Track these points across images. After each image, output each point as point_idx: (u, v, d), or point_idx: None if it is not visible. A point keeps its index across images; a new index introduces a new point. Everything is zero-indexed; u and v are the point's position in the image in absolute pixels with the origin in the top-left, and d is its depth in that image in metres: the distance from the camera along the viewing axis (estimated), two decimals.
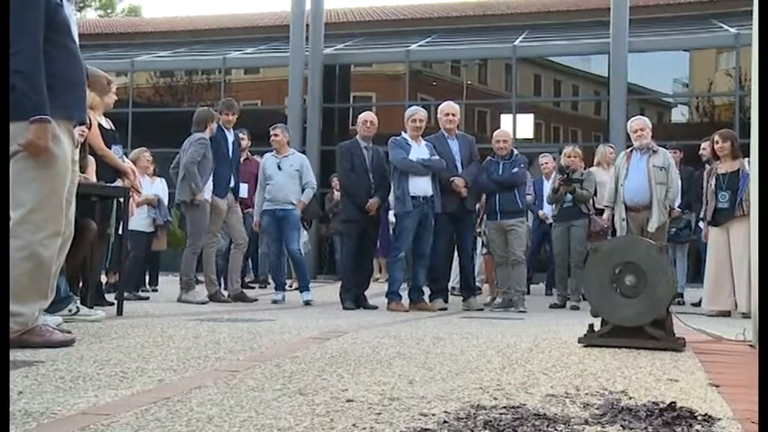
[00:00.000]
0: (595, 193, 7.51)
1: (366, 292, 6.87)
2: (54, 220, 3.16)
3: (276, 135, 7.47)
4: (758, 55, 2.78)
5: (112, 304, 5.63)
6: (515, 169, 7.00)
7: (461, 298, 7.14)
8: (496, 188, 6.98)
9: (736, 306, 6.45)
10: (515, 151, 7.22)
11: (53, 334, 3.21)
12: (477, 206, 7.44)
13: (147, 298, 6.98)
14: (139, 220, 7.53)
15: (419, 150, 6.65)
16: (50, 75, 3.16)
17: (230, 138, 7.37)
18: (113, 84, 5.98)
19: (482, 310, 6.79)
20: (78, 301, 4.70)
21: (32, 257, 3.10)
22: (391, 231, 7.42)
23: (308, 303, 6.93)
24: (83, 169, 5.32)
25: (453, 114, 7.05)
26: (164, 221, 8.18)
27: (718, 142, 6.85)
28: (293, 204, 7.30)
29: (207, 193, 6.92)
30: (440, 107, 7.19)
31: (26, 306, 3.11)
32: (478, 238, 7.92)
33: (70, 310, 4.24)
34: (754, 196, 4.00)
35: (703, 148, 8.37)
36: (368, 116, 7.05)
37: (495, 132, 7.48)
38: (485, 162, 7.20)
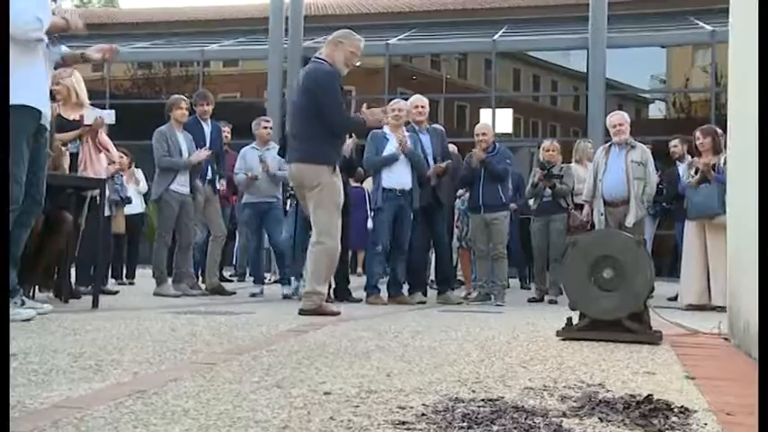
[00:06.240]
0: (574, 188, 7.55)
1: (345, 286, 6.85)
2: (337, 231, 4.80)
3: (271, 127, 7.47)
4: (759, 52, 2.80)
5: (79, 297, 5.58)
6: (503, 166, 7.02)
7: (437, 291, 7.14)
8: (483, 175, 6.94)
9: (710, 299, 6.51)
10: (497, 144, 7.25)
11: (330, 306, 4.88)
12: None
13: (117, 292, 6.82)
14: None
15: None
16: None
17: (207, 129, 7.29)
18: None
19: (461, 303, 6.79)
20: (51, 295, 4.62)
21: (330, 255, 4.80)
22: (370, 223, 7.38)
23: (286, 297, 6.90)
24: (57, 160, 5.29)
25: (422, 107, 7.00)
26: (120, 198, 8.13)
27: (698, 138, 6.88)
28: (277, 197, 7.27)
29: (177, 186, 6.82)
30: (409, 100, 7.14)
31: (323, 286, 4.84)
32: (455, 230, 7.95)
33: (16, 303, 4.06)
34: (734, 191, 4.04)
35: (674, 146, 8.47)
36: None
37: (476, 126, 7.54)
38: (467, 156, 7.22)
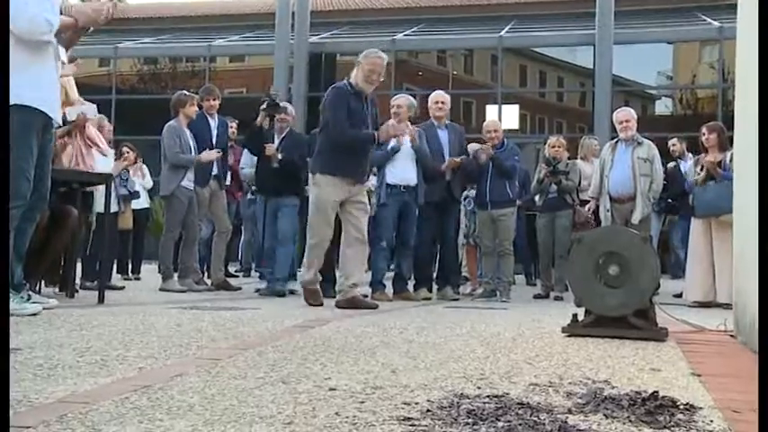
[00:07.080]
0: (579, 184, 7.54)
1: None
2: (319, 230, 5.34)
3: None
4: (759, 50, 2.78)
5: (77, 291, 5.59)
6: (512, 162, 7.00)
7: (436, 288, 7.12)
8: (491, 170, 6.93)
9: (716, 296, 6.49)
10: (506, 140, 7.24)
11: (314, 296, 5.37)
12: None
13: (123, 287, 6.83)
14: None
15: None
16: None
17: (213, 124, 7.29)
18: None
19: (457, 299, 6.78)
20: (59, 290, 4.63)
21: (316, 245, 5.35)
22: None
23: (292, 292, 6.90)
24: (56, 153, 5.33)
25: (443, 102, 7.02)
26: (128, 192, 8.14)
27: (704, 134, 6.86)
28: None
29: (187, 182, 6.85)
30: (430, 96, 7.18)
31: (308, 273, 5.37)
32: (460, 226, 7.93)
33: (22, 297, 4.05)
34: (738, 188, 4.02)
35: (673, 144, 8.46)
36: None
37: (485, 123, 7.55)
38: (474, 150, 7.21)
